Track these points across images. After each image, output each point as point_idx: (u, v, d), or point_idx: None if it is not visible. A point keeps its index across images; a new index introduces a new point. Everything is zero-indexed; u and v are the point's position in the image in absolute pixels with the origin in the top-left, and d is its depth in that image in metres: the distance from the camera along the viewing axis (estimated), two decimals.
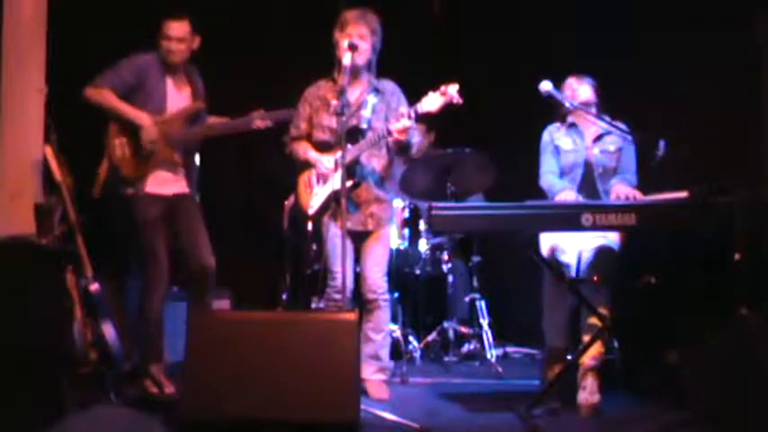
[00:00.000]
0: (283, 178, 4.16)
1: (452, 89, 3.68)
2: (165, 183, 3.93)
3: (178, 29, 3.89)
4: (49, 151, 3.67)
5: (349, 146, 3.79)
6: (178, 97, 3.97)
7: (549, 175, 4.01)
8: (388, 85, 4.02)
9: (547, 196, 3.97)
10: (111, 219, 3.98)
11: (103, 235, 4.03)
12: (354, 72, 3.86)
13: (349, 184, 3.79)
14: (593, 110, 3.93)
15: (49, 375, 3.20)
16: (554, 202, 3.84)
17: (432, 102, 3.70)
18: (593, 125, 3.97)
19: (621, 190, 3.80)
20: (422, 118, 4.85)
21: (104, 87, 3.83)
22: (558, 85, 3.90)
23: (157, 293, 3.90)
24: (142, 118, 3.83)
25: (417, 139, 4.03)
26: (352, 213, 3.87)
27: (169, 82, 3.94)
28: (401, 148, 3.96)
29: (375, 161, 3.98)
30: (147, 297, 3.90)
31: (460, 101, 3.69)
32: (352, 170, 3.83)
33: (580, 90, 3.95)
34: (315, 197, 3.95)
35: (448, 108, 3.71)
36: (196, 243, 3.95)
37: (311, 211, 3.96)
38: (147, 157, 3.86)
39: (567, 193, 3.87)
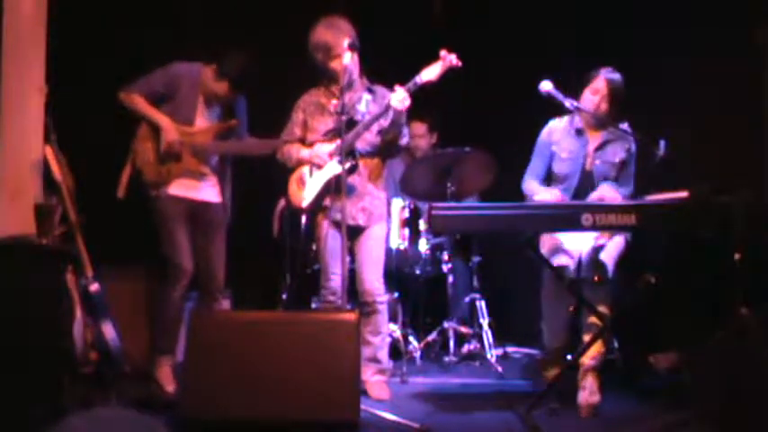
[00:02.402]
0: (280, 180, 4.16)
1: (451, 55, 3.68)
2: (190, 188, 3.97)
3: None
4: (49, 151, 3.68)
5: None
6: (208, 113, 4.01)
7: (531, 182, 3.98)
8: (381, 90, 4.03)
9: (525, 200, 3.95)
10: (134, 218, 4.00)
11: (128, 234, 4.07)
12: (350, 81, 3.88)
13: (347, 165, 3.78)
14: (600, 119, 3.86)
15: (49, 375, 3.20)
16: (554, 202, 3.83)
17: (431, 71, 3.71)
18: (597, 132, 3.94)
19: (606, 193, 3.77)
20: (425, 115, 4.87)
21: (135, 92, 3.92)
22: (559, 82, 3.86)
23: (178, 287, 3.92)
24: (163, 120, 3.89)
25: (406, 130, 4.01)
26: (346, 198, 3.84)
27: (201, 97, 3.98)
28: (391, 140, 3.94)
29: (369, 150, 3.98)
30: (168, 290, 3.92)
31: (459, 63, 3.69)
32: (347, 157, 3.82)
33: (601, 106, 3.84)
34: (307, 189, 3.96)
35: (447, 73, 3.70)
36: (212, 259, 4.01)
37: (305, 204, 3.97)
38: (169, 161, 3.89)
39: (549, 192, 3.85)
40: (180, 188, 3.94)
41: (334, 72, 3.89)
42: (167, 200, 3.91)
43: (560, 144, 3.96)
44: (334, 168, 3.84)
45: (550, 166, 3.98)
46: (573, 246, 3.76)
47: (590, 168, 3.91)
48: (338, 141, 3.74)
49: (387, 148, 4.01)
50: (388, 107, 3.79)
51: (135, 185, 3.93)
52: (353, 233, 3.97)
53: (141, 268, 4.31)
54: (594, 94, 3.86)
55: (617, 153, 3.90)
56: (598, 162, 3.90)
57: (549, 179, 4.01)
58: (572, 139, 3.95)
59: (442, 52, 3.71)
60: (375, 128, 3.93)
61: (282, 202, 4.38)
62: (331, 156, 3.88)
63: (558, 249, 3.76)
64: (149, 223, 3.94)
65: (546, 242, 3.81)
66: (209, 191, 4.03)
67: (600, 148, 3.92)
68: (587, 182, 3.90)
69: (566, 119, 4.00)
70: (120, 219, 4.11)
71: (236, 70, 3.90)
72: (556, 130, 4.00)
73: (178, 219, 3.92)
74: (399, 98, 3.74)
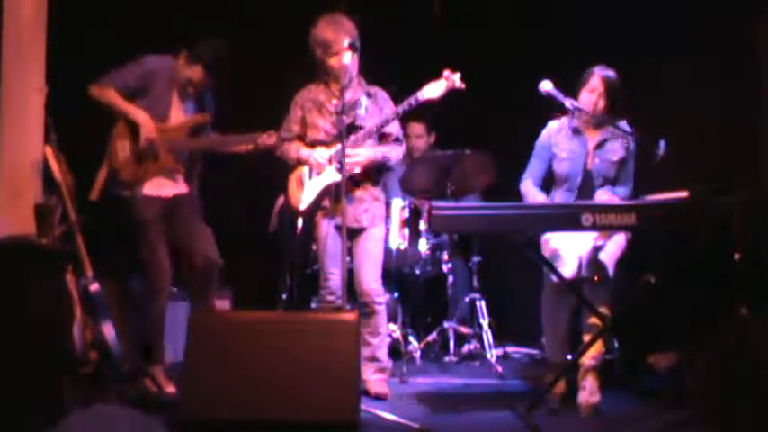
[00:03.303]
0: (281, 179, 4.17)
1: (455, 75, 3.68)
2: (164, 187, 3.95)
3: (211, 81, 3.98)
4: (49, 151, 3.67)
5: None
6: (183, 108, 4.00)
7: (529, 182, 3.97)
8: (380, 92, 4.04)
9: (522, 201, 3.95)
10: (113, 220, 3.98)
11: (106, 236, 4.05)
12: (349, 80, 3.88)
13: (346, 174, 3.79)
14: (599, 118, 3.86)
15: (49, 375, 3.19)
16: (554, 202, 3.83)
17: (433, 89, 3.71)
18: (596, 131, 3.94)
19: (602, 198, 3.77)
20: (423, 116, 4.88)
21: (109, 86, 3.87)
22: (559, 82, 3.86)
23: (159, 294, 3.92)
24: (141, 115, 3.85)
25: (397, 153, 4.03)
26: (347, 205, 3.86)
27: (176, 92, 3.97)
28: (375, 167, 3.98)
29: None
30: (149, 297, 3.92)
31: (462, 86, 3.69)
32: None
33: (599, 104, 3.84)
34: (306, 192, 3.97)
35: (449, 94, 3.71)
36: (199, 238, 3.98)
37: (302, 207, 3.98)
38: (147, 159, 3.88)
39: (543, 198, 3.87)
40: (153, 187, 3.91)
41: (331, 69, 3.89)
42: (142, 201, 3.88)
43: (560, 145, 3.96)
44: (332, 175, 3.85)
45: (551, 167, 3.98)
46: (572, 253, 3.74)
47: (590, 168, 3.91)
48: (338, 146, 3.74)
49: (376, 168, 4.02)
50: (383, 125, 3.81)
51: (109, 186, 3.91)
52: (353, 234, 3.97)
53: (124, 272, 4.29)
54: (592, 92, 3.86)
55: (616, 151, 3.90)
56: (597, 161, 3.90)
57: (550, 181, 4.01)
58: (570, 139, 3.95)
59: (446, 72, 3.71)
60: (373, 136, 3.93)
61: (282, 199, 4.39)
62: (330, 161, 3.88)
63: (557, 258, 3.74)
64: (122, 223, 3.92)
65: (545, 251, 3.79)
66: (179, 185, 4.01)
67: (599, 146, 3.92)
68: (589, 181, 3.90)
69: (564, 119, 4.00)
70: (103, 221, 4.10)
71: (207, 52, 3.88)
72: (555, 132, 4.00)
73: (154, 221, 3.89)
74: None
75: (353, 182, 3.89)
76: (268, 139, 3.94)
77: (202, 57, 3.88)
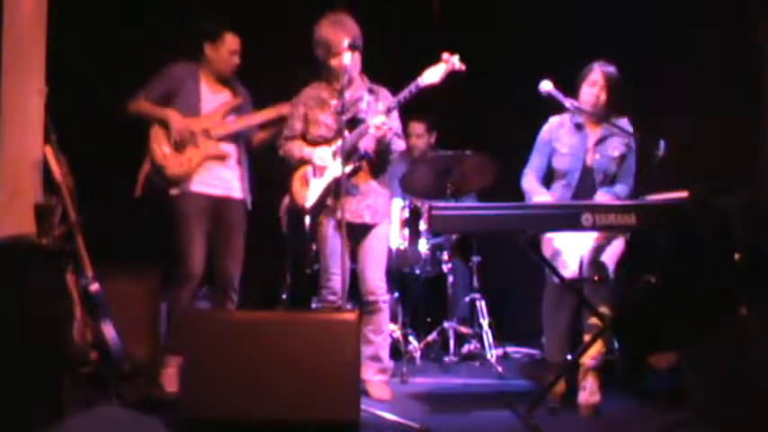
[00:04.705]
0: (283, 178, 4.17)
1: (454, 57, 3.67)
2: (213, 181, 4.02)
3: (237, 42, 4.06)
4: (49, 151, 3.68)
5: (347, 133, 3.79)
6: (213, 98, 4.07)
7: (531, 179, 3.97)
8: (382, 90, 4.03)
9: (524, 198, 3.95)
10: (158, 219, 4.03)
11: (146, 235, 4.09)
12: (350, 79, 3.88)
13: (348, 169, 3.79)
14: (600, 113, 3.86)
15: (49, 375, 3.19)
16: (554, 202, 3.83)
17: (433, 74, 3.69)
18: (597, 127, 3.95)
19: (600, 200, 3.77)
20: (424, 115, 4.87)
21: (139, 98, 4.00)
22: (559, 82, 3.86)
23: (187, 288, 3.96)
24: (167, 112, 3.95)
25: (397, 145, 4.00)
26: (351, 197, 3.85)
27: (203, 86, 4.05)
28: (380, 153, 3.96)
29: (372, 150, 3.98)
30: (177, 291, 3.96)
31: (463, 67, 3.68)
32: (350, 157, 3.83)
33: (601, 97, 3.85)
34: (311, 190, 3.96)
35: (449, 76, 3.69)
36: (230, 257, 4.07)
37: (308, 204, 3.97)
38: (185, 148, 3.93)
39: (547, 195, 3.86)
40: (202, 183, 3.99)
41: (333, 68, 3.89)
42: (189, 197, 3.95)
43: (561, 139, 3.96)
44: (337, 170, 3.84)
45: (551, 162, 3.98)
46: (572, 253, 3.74)
47: (590, 164, 3.91)
48: (339, 142, 3.74)
49: (379, 157, 4.01)
50: (386, 113, 3.79)
51: (150, 185, 3.97)
52: (358, 232, 3.97)
53: (151, 268, 4.31)
54: (593, 86, 3.86)
55: (616, 147, 3.90)
56: (598, 156, 3.90)
57: (549, 175, 4.01)
58: (572, 135, 3.95)
59: (445, 55, 3.69)
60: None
61: (287, 199, 4.39)
62: (334, 156, 3.88)
63: (557, 258, 3.74)
64: (162, 222, 3.96)
65: (545, 251, 3.79)
66: (232, 184, 4.07)
67: (599, 142, 3.92)
68: (588, 177, 3.89)
69: (566, 115, 4.00)
70: (129, 218, 4.12)
71: (209, 25, 4.01)
72: (555, 127, 4.00)
73: (198, 219, 3.95)
74: (376, 123, 3.75)
75: (354, 172, 3.89)
76: (284, 108, 4.06)
77: (208, 30, 4.01)
